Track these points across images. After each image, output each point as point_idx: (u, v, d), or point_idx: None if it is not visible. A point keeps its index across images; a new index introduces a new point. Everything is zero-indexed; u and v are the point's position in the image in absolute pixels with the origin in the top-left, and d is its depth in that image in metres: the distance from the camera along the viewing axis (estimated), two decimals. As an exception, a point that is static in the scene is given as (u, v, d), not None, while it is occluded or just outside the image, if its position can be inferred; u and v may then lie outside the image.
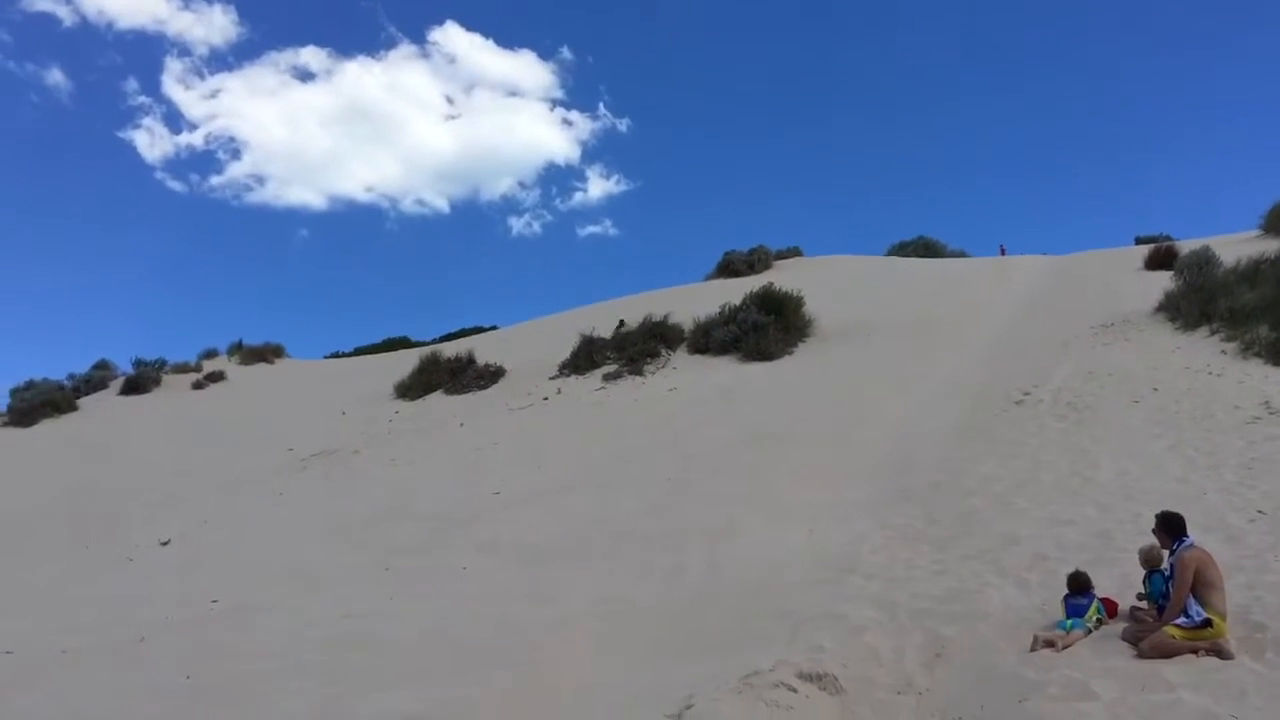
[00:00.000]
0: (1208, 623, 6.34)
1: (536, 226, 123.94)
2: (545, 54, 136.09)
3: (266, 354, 45.70)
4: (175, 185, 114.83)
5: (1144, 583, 7.04)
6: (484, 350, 30.63)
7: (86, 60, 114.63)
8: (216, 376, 41.95)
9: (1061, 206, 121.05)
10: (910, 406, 16.58)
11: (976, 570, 8.60)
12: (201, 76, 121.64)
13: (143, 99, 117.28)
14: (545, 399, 23.46)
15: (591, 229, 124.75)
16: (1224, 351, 16.75)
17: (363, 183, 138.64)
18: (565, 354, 26.93)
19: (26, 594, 13.60)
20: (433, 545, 12.78)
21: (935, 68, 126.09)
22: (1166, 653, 6.25)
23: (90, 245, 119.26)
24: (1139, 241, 40.39)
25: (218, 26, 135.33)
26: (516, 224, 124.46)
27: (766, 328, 24.41)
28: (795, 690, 6.43)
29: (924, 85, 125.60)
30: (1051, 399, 15.10)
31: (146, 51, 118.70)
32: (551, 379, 25.68)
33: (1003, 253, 45.51)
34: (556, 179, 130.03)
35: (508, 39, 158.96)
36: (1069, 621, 6.85)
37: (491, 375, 27.88)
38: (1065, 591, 7.16)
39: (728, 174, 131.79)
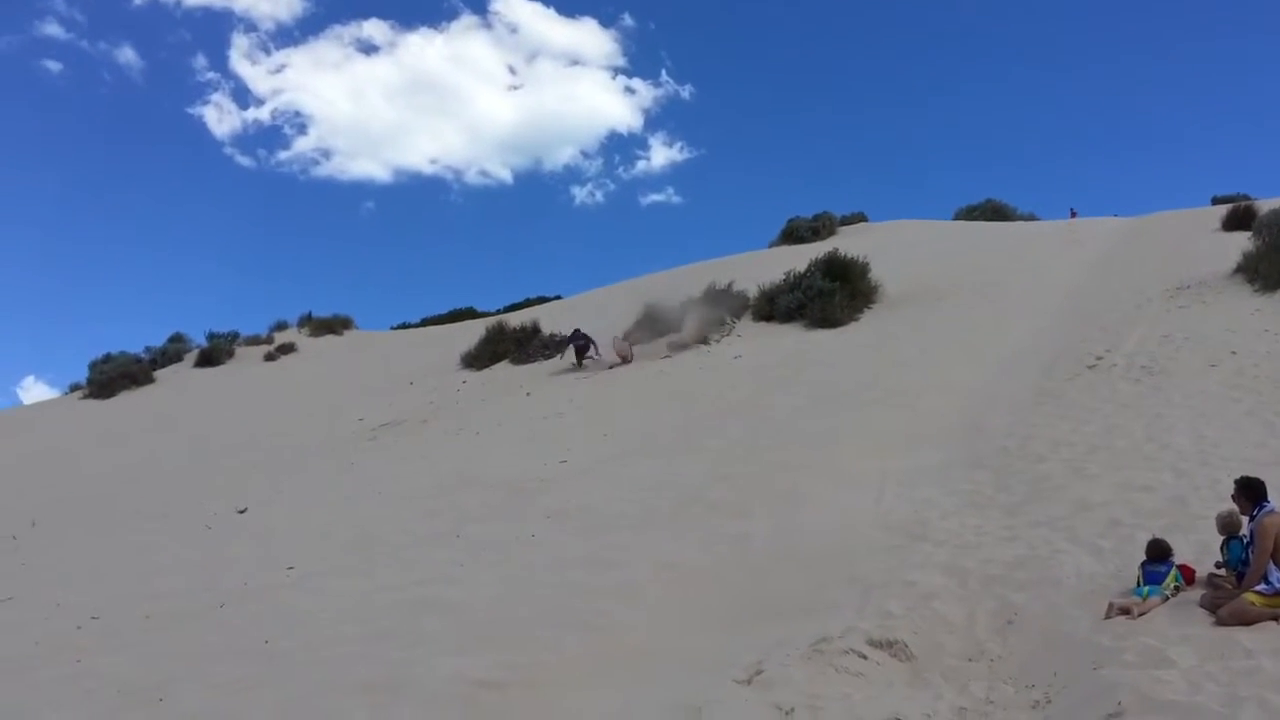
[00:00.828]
0: (1288, 589, 6.22)
1: (599, 196, 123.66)
2: (606, 21, 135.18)
3: (335, 325, 46.33)
4: (244, 160, 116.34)
5: (1222, 549, 6.89)
6: (549, 320, 30.79)
7: (156, 38, 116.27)
8: (287, 348, 42.65)
9: (1135, 167, 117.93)
10: (979, 372, 16.35)
11: (1048, 537, 8.48)
12: (267, 52, 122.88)
13: (211, 75, 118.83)
14: (610, 368, 23.53)
15: (654, 197, 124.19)
16: (1306, 313, 16.30)
17: (427, 155, 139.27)
18: (630, 323, 26.96)
19: (110, 561, 14.00)
20: (501, 513, 12.91)
21: (1004, 28, 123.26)
22: (1245, 620, 6.13)
23: (163, 221, 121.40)
24: (1215, 201, 39.16)
25: (283, 1, 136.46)
26: (579, 193, 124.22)
27: (832, 294, 24.18)
28: (865, 657, 6.43)
29: (994, 47, 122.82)
30: (1125, 363, 14.80)
31: (214, 28, 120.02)
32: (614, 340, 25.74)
33: (1073, 216, 44.51)
34: (619, 147, 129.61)
35: (569, 7, 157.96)
36: (1145, 588, 6.74)
37: (557, 345, 28.00)
38: (1142, 558, 7.04)
39: (792, 140, 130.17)
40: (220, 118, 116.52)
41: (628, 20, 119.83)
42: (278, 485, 18.02)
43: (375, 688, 7.14)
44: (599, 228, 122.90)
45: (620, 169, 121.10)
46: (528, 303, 48.08)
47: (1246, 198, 35.19)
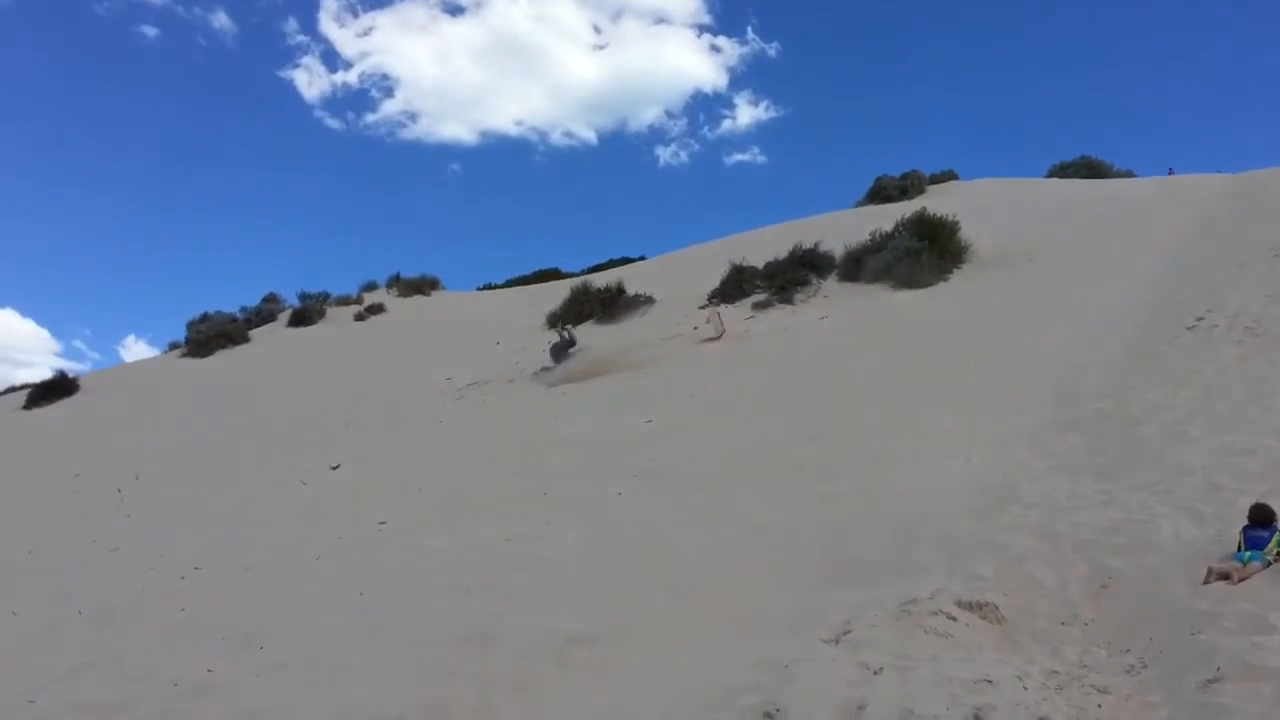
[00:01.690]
0: (1396, 556, 6.02)
1: (684, 156, 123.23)
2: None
3: (423, 286, 46.97)
4: (333, 123, 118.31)
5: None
6: (633, 280, 30.85)
7: (249, 2, 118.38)
8: (376, 308, 43.39)
9: (1240, 122, 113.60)
10: (1073, 333, 15.99)
11: (1145, 501, 8.28)
12: (355, 14, 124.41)
13: (301, 38, 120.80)
14: (695, 328, 23.51)
15: (739, 157, 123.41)
16: None
17: (512, 116, 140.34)
18: (714, 283, 26.89)
19: (211, 515, 14.46)
20: (588, 472, 13.03)
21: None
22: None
23: (256, 183, 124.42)
24: (1326, 157, 37.60)
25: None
26: (664, 154, 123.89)
27: (920, 254, 23.82)
28: (954, 618, 6.37)
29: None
30: (1227, 324, 14.32)
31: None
32: (701, 308, 25.69)
33: (1171, 174, 43.11)
34: (704, 107, 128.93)
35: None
36: (1247, 554, 6.55)
37: (642, 305, 28.08)
38: (1244, 523, 6.85)
39: (880, 97, 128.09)
40: (310, 81, 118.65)
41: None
42: (369, 442, 18.41)
43: (467, 640, 7.29)
44: (683, 188, 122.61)
45: (705, 129, 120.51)
46: (611, 263, 48.19)
47: (1358, 153, 33.66)
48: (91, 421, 31.27)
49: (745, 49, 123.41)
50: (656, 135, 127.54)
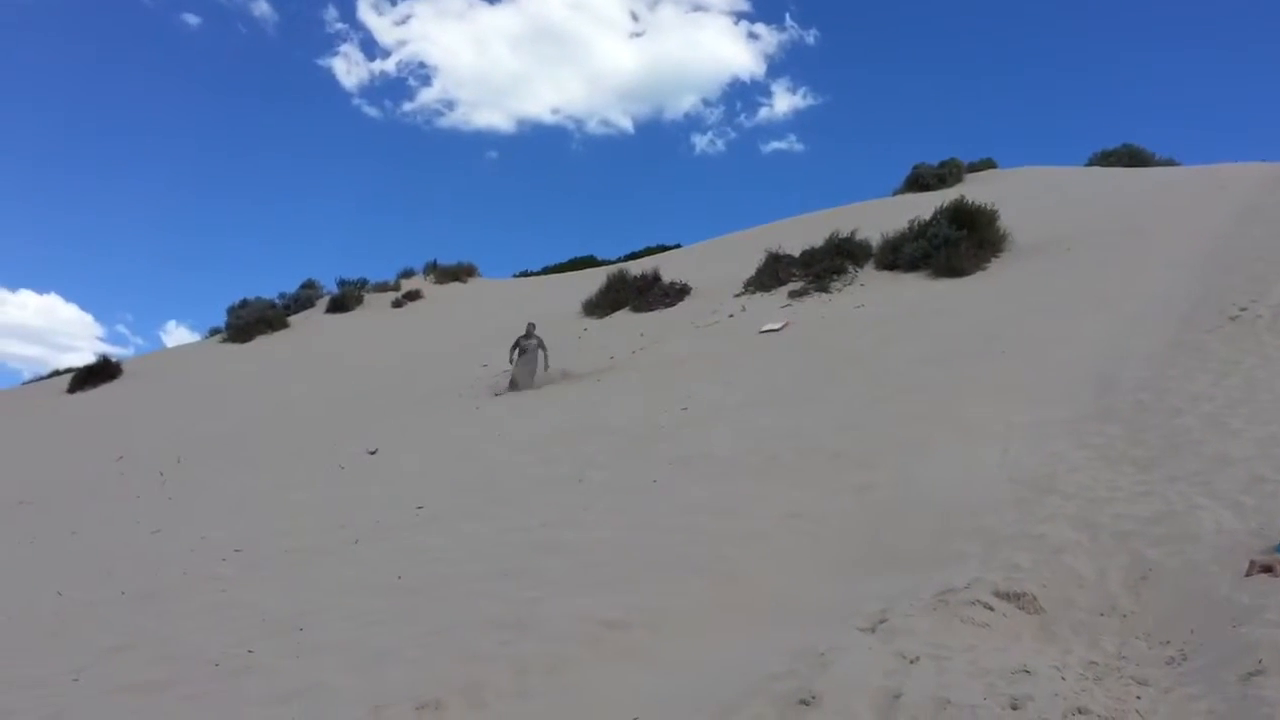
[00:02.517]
0: None
1: (720, 144, 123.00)
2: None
3: (460, 273, 47.25)
4: (371, 111, 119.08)
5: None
6: (669, 268, 30.81)
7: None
8: (414, 295, 43.70)
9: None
10: (1113, 323, 15.82)
11: (1185, 492, 8.21)
12: (393, 2, 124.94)
13: (340, 26, 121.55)
14: (730, 316, 23.47)
15: (776, 145, 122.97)
16: None
17: (549, 105, 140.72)
18: (750, 271, 26.81)
19: (251, 498, 14.63)
20: (623, 459, 13.06)
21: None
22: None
23: (295, 170, 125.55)
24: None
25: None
26: (700, 142, 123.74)
27: (958, 242, 23.62)
28: (992, 608, 6.34)
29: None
30: (1271, 315, 14.12)
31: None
32: (736, 296, 25.66)
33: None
34: (741, 94, 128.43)
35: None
36: (1289, 546, 6.50)
37: (677, 293, 28.06)
38: (1285, 515, 6.79)
39: (919, 85, 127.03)
40: (349, 69, 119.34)
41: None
42: (406, 428, 18.53)
43: (503, 624, 7.34)
44: (720, 176, 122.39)
45: (742, 116, 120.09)
46: (647, 251, 48.22)
47: None
48: (134, 405, 31.70)
49: (783, 36, 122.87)
50: (693, 123, 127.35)
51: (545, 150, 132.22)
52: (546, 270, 53.19)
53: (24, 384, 47.40)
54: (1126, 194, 31.44)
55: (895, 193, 42.45)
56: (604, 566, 8.64)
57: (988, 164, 45.54)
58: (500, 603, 7.91)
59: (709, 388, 16.64)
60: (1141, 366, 12.89)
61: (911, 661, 5.63)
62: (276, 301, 46.72)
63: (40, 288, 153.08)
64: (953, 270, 23.11)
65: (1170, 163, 45.63)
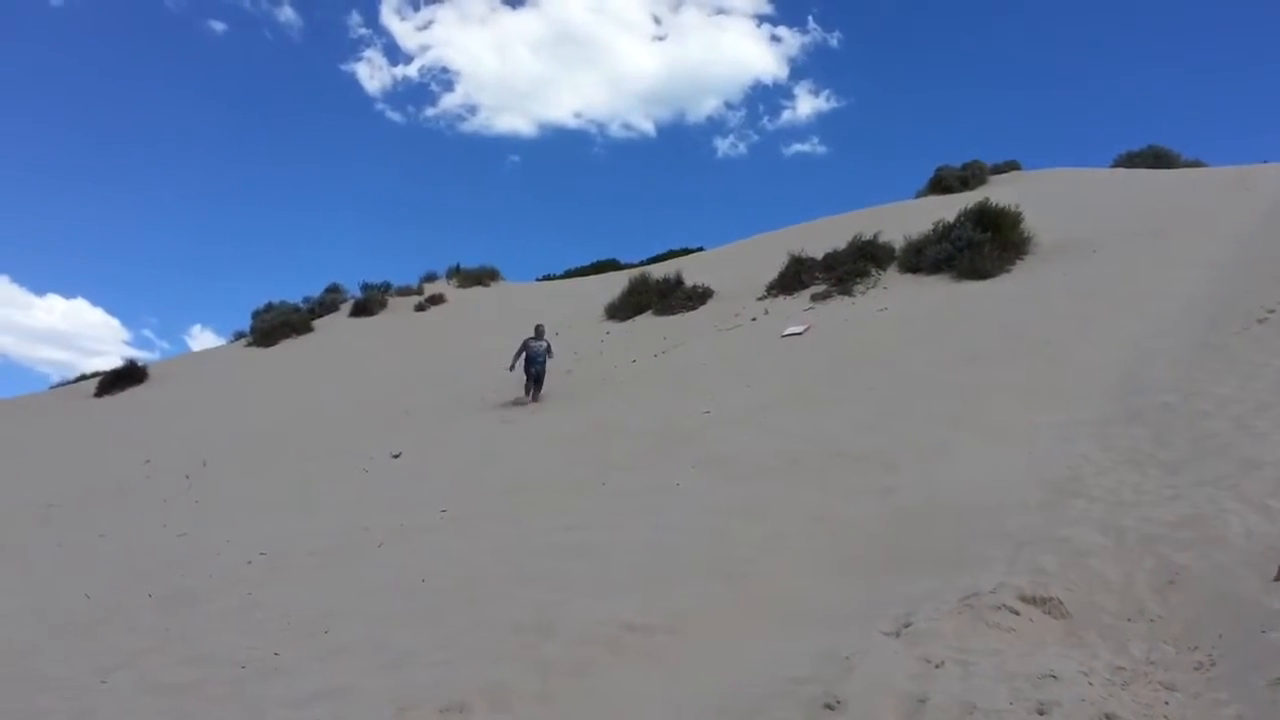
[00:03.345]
0: None
1: (742, 147, 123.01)
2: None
3: (482, 277, 47.41)
4: (394, 116, 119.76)
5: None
6: (691, 272, 30.82)
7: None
8: (437, 299, 43.85)
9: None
10: (1138, 325, 15.71)
11: (1213, 495, 8.13)
12: (416, 7, 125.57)
13: (364, 31, 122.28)
14: (753, 319, 23.45)
15: (799, 147, 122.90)
16: None
17: (571, 109, 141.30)
18: (772, 275, 26.78)
19: (276, 501, 14.72)
20: (646, 462, 13.06)
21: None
22: None
23: (319, 175, 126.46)
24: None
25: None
26: (722, 145, 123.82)
27: (982, 245, 23.52)
28: (1018, 613, 6.30)
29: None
30: (1299, 317, 14.01)
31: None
32: (759, 299, 25.64)
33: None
34: (763, 98, 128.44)
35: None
36: (1319, 551, 6.43)
37: (700, 296, 28.06)
38: (1315, 519, 6.72)
39: (942, 86, 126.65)
40: (372, 74, 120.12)
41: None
42: (430, 431, 18.60)
43: (526, 627, 7.35)
44: (742, 179, 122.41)
45: (764, 119, 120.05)
46: (670, 254, 48.22)
47: None
48: (160, 409, 31.94)
49: (806, 39, 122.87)
50: (715, 126, 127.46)
51: (567, 154, 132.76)
52: (569, 274, 53.31)
53: (52, 388, 47.84)
54: (1151, 195, 31.22)
55: (918, 195, 42.33)
56: (627, 569, 8.64)
57: (1012, 166, 45.35)
58: (523, 605, 7.93)
59: (732, 391, 16.62)
60: (1168, 368, 12.79)
61: (936, 666, 5.60)
62: (300, 305, 47.02)
63: (67, 292, 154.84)
64: (977, 272, 23.01)
65: (1196, 164, 45.28)
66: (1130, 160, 46.36)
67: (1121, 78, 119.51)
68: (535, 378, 20.47)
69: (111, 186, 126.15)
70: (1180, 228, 24.36)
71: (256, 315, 45.35)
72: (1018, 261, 23.78)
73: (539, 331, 21.07)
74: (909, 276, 24.40)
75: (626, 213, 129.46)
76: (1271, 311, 14.48)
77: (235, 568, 10.76)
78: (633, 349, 23.75)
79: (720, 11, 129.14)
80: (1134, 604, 6.46)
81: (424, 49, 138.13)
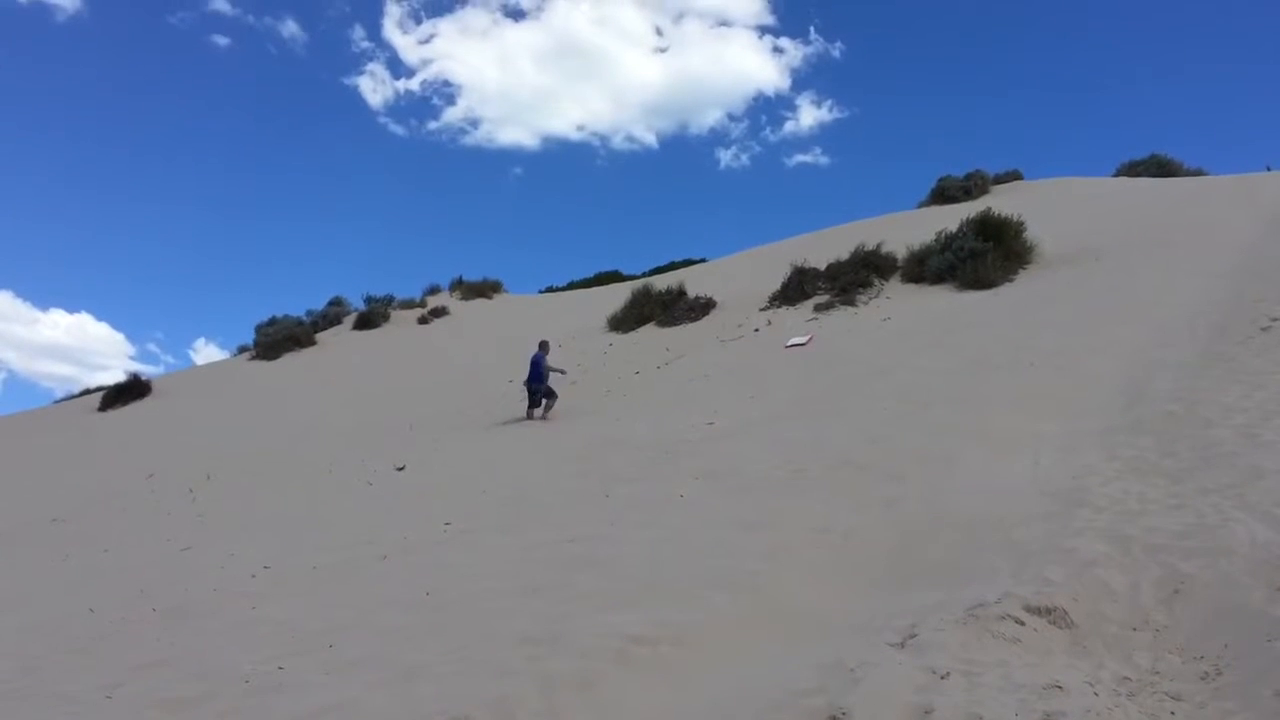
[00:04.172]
0: None
1: (745, 159, 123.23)
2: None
3: (485, 289, 47.52)
4: (397, 129, 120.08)
5: None
6: (694, 283, 30.85)
7: (317, 11, 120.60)
8: (440, 311, 43.95)
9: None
10: (1142, 334, 15.71)
11: (1218, 505, 8.12)
12: (418, 21, 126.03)
13: (366, 45, 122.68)
14: (756, 330, 23.46)
15: (801, 158, 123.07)
16: None
17: (573, 121, 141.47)
18: (775, 285, 26.80)
19: (280, 515, 14.71)
20: (650, 474, 13.04)
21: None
22: None
23: (322, 188, 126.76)
24: None
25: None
26: (724, 156, 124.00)
27: (985, 254, 23.56)
28: (1023, 623, 6.29)
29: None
30: (1303, 326, 13.99)
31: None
32: (762, 310, 25.65)
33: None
34: (766, 109, 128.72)
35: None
36: (1325, 560, 6.42)
37: (702, 307, 28.08)
38: (1321, 528, 6.70)
39: (944, 96, 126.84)
40: (375, 87, 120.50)
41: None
42: (433, 444, 18.59)
43: (531, 640, 7.34)
44: (745, 190, 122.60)
45: (767, 130, 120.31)
46: (672, 266, 48.32)
47: None
48: (164, 423, 31.96)
49: (808, 50, 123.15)
50: (718, 138, 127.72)
51: (570, 166, 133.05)
52: (572, 285, 53.38)
53: (56, 402, 47.92)
54: (1154, 204, 31.22)
55: (920, 205, 42.38)
56: (631, 581, 8.62)
57: (1014, 175, 45.38)
58: (528, 618, 7.91)
59: (735, 402, 16.61)
60: (1172, 378, 12.79)
61: (942, 677, 5.59)
62: (304, 319, 47.07)
63: (71, 307, 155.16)
64: (980, 282, 23.04)
65: (1199, 173, 45.30)
66: (1133, 169, 46.41)
67: (1123, 87, 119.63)
68: (531, 394, 20.08)
69: (115, 201, 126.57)
70: (1183, 237, 24.36)
71: (260, 329, 45.42)
72: (1020, 271, 23.80)
73: (543, 347, 20.60)
74: (912, 286, 24.42)
75: (629, 224, 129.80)
76: (1276, 320, 14.47)
77: (239, 581, 10.74)
78: (636, 360, 23.75)
79: (722, 23, 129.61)
80: (1139, 614, 6.45)
81: (426, 62, 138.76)
